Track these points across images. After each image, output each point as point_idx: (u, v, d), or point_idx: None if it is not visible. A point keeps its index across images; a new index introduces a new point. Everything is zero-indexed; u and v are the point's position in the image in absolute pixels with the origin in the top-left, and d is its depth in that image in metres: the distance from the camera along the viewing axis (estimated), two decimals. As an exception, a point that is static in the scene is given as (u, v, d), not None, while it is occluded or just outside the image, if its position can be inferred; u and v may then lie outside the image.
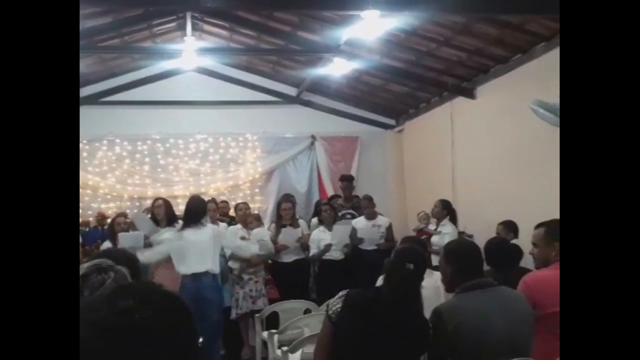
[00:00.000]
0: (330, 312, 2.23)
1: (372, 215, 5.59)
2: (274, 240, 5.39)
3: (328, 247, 5.17)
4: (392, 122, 8.65)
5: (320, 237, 5.32)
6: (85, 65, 7.17)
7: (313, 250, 5.29)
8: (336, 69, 6.67)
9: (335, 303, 2.23)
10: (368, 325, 2.15)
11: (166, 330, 0.73)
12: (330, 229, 5.34)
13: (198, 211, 4.34)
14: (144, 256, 4.02)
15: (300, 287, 5.13)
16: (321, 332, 2.34)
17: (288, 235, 5.36)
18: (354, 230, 5.41)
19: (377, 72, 6.94)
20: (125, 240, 4.90)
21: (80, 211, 6.51)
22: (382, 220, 5.63)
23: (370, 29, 4.93)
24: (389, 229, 5.59)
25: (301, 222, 5.75)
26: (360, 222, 5.58)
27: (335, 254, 5.23)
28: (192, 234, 4.23)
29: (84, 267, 1.50)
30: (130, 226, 5.01)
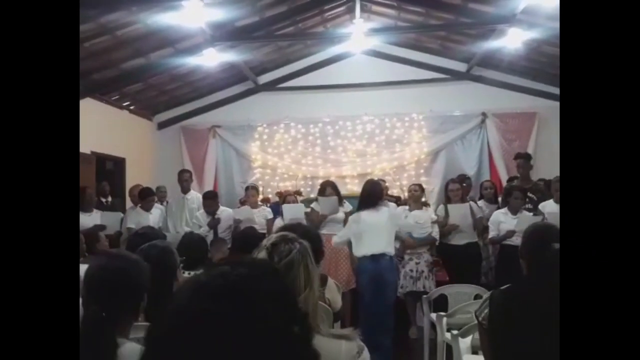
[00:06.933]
0: (480, 318, 2.08)
1: None
2: (443, 222, 5.27)
3: (510, 234, 4.84)
4: (576, 95, 7.77)
5: (501, 219, 5.00)
6: (264, 54, 7.79)
7: (492, 233, 5.01)
8: (511, 41, 6.21)
9: (483, 308, 2.08)
10: (524, 323, 1.95)
11: (260, 288, 0.78)
12: (514, 214, 4.99)
13: (374, 195, 4.44)
14: (338, 236, 4.52)
15: (471, 271, 4.92)
16: (480, 339, 2.20)
17: (461, 215, 5.17)
18: (542, 215, 5.01)
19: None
20: (288, 211, 5.41)
21: (261, 189, 7.14)
22: None
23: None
24: None
25: (472, 204, 5.50)
26: (549, 206, 5.14)
27: (517, 240, 4.86)
28: (368, 216, 4.34)
29: (273, 236, 1.64)
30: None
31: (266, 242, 1.61)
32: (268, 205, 6.42)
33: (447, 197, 5.43)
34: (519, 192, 5.13)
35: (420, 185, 5.75)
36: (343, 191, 5.90)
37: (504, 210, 5.06)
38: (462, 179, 5.74)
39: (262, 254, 1.56)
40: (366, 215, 4.34)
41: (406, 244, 5.07)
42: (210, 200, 5.64)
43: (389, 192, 6.60)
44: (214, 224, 5.44)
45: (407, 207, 5.40)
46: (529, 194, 5.39)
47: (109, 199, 6.79)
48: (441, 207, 5.47)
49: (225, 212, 5.69)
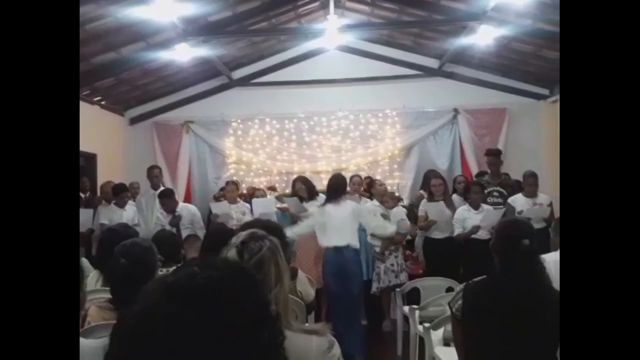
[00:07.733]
0: (454, 310, 2.14)
1: (533, 193, 5.25)
2: (423, 217, 5.35)
3: (476, 229, 4.94)
4: (545, 91, 7.95)
5: (465, 216, 5.10)
6: (237, 48, 7.73)
7: (458, 230, 5.11)
8: (482, 37, 6.31)
9: (456, 300, 2.14)
10: (496, 315, 2.02)
11: (231, 292, 0.76)
12: (476, 209, 5.10)
13: (338, 188, 4.53)
14: (293, 232, 4.26)
15: (449, 265, 4.99)
16: (452, 330, 2.26)
17: (438, 211, 5.26)
18: (510, 209, 5.13)
19: (529, 38, 6.41)
20: (258, 205, 5.38)
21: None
22: (543, 198, 5.25)
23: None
24: (550, 207, 5.20)
25: (454, 197, 5.60)
26: (519, 200, 5.26)
27: (483, 234, 4.96)
28: (332, 209, 4.41)
29: (242, 234, 1.64)
30: None
31: (236, 240, 1.61)
32: (244, 200, 6.39)
33: (430, 192, 5.48)
34: (477, 186, 5.26)
35: (381, 181, 5.98)
36: (318, 186, 5.93)
37: (466, 206, 5.17)
38: (434, 174, 5.83)
39: (231, 252, 1.56)
40: (330, 208, 4.42)
41: (395, 240, 5.15)
42: (167, 198, 5.51)
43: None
44: (175, 222, 5.35)
45: (376, 203, 5.43)
46: (498, 188, 5.51)
47: (88, 194, 6.69)
48: (424, 201, 5.54)
49: (185, 209, 5.62)
